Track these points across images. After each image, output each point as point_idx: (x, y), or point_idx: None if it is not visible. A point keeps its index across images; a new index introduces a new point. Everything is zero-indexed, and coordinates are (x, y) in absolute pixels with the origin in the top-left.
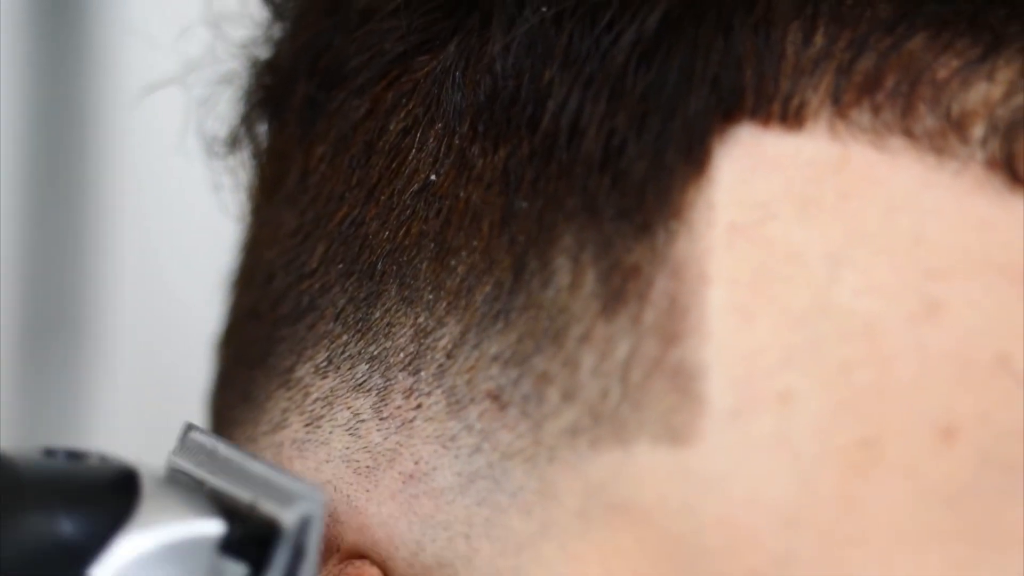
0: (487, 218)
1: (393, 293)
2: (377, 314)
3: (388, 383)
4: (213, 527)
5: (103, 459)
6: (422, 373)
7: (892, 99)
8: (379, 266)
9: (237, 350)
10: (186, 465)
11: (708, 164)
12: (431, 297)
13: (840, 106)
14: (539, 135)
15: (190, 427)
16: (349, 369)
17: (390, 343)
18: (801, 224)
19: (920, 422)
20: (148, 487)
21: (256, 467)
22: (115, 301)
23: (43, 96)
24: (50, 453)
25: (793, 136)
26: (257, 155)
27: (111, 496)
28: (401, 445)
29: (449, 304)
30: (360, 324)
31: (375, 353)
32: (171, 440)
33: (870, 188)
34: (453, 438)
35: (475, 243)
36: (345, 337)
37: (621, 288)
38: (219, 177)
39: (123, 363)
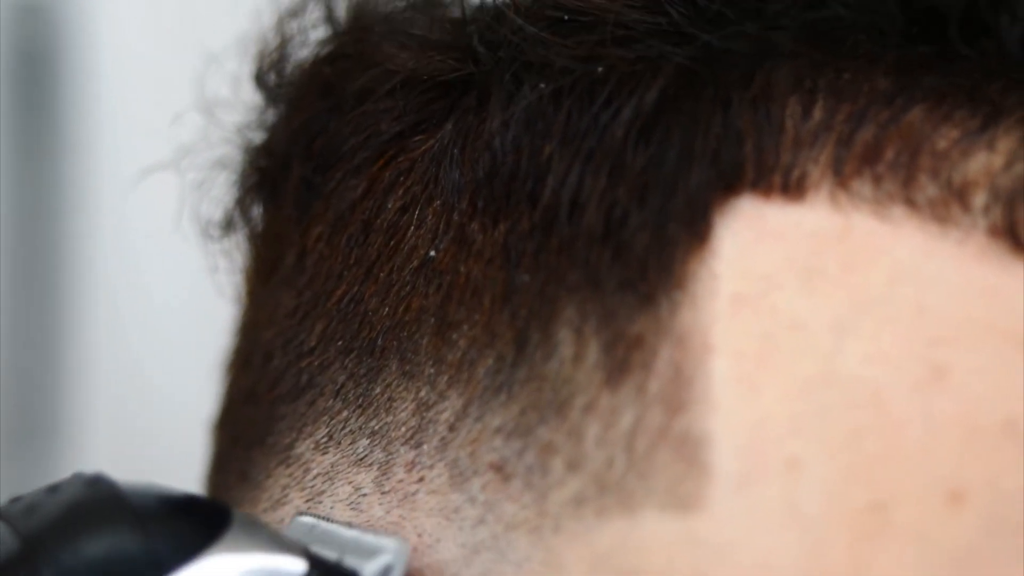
0: (488, 292)
1: (394, 368)
2: (378, 389)
3: (390, 457)
4: (294, 565)
5: (200, 498)
6: (424, 446)
7: (893, 169)
8: (379, 342)
9: (234, 431)
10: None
11: (710, 236)
12: (432, 371)
13: (841, 177)
14: (539, 210)
15: (299, 513)
16: (350, 444)
17: (391, 417)
18: (805, 294)
19: (928, 487)
20: (238, 519)
21: (349, 533)
22: (93, 396)
23: (33, 183)
24: (150, 484)
25: (795, 207)
26: (253, 238)
27: (203, 519)
28: (404, 519)
29: (451, 378)
30: (361, 399)
31: (376, 428)
32: None
33: (873, 257)
34: (456, 510)
35: (476, 317)
36: (345, 413)
37: (625, 358)
38: (214, 260)
39: (98, 450)
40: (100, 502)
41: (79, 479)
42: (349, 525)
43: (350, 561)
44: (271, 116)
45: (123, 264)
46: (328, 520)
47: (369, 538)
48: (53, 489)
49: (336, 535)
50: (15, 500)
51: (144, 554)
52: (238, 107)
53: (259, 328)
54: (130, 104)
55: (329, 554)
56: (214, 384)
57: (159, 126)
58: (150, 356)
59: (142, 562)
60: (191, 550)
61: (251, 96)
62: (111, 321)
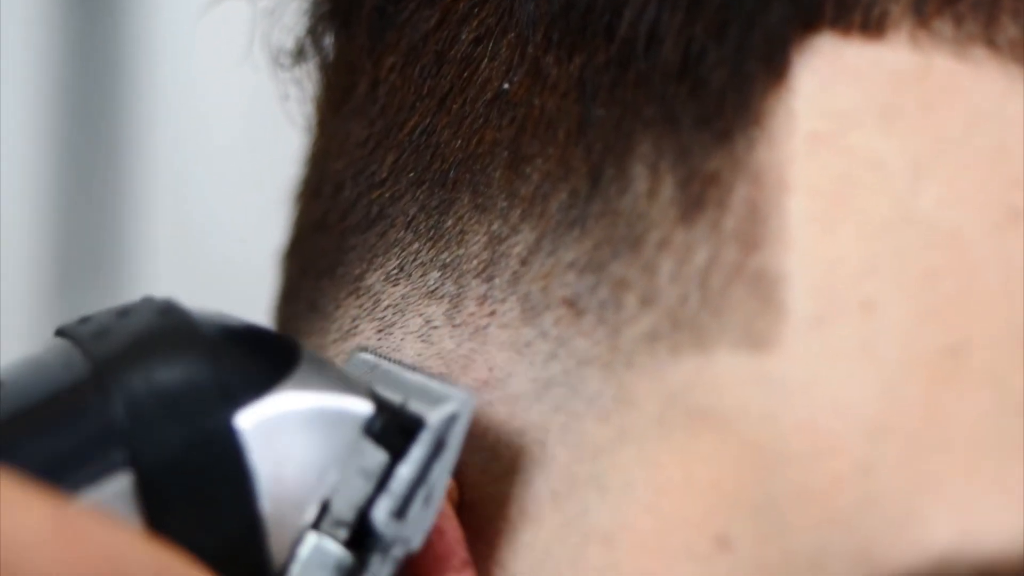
0: (562, 126)
1: (466, 201)
2: (449, 222)
3: (461, 290)
4: (361, 406)
5: (270, 330)
6: (496, 280)
7: (975, 9)
8: (451, 174)
9: (304, 261)
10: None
11: (788, 73)
12: (505, 204)
13: (922, 16)
14: (616, 43)
15: (359, 348)
16: (421, 276)
17: (463, 250)
18: (883, 133)
19: (1005, 330)
20: (307, 356)
21: (414, 376)
22: (154, 213)
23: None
24: (221, 314)
25: (874, 46)
26: (324, 67)
27: (272, 355)
28: (475, 352)
29: (523, 211)
30: (432, 232)
31: (447, 260)
32: None
33: (953, 98)
34: (528, 344)
35: (550, 151)
36: (416, 245)
37: (700, 195)
38: (284, 89)
39: (162, 270)
40: (172, 330)
41: (150, 304)
42: (412, 368)
43: (414, 406)
44: None
45: (190, 94)
46: (390, 360)
47: (434, 384)
48: (123, 313)
49: (399, 377)
50: (84, 320)
51: (215, 386)
52: None
53: (329, 158)
54: None
55: (393, 396)
56: (281, 215)
57: None
58: (215, 186)
59: (213, 394)
60: (261, 385)
61: None
62: (176, 151)
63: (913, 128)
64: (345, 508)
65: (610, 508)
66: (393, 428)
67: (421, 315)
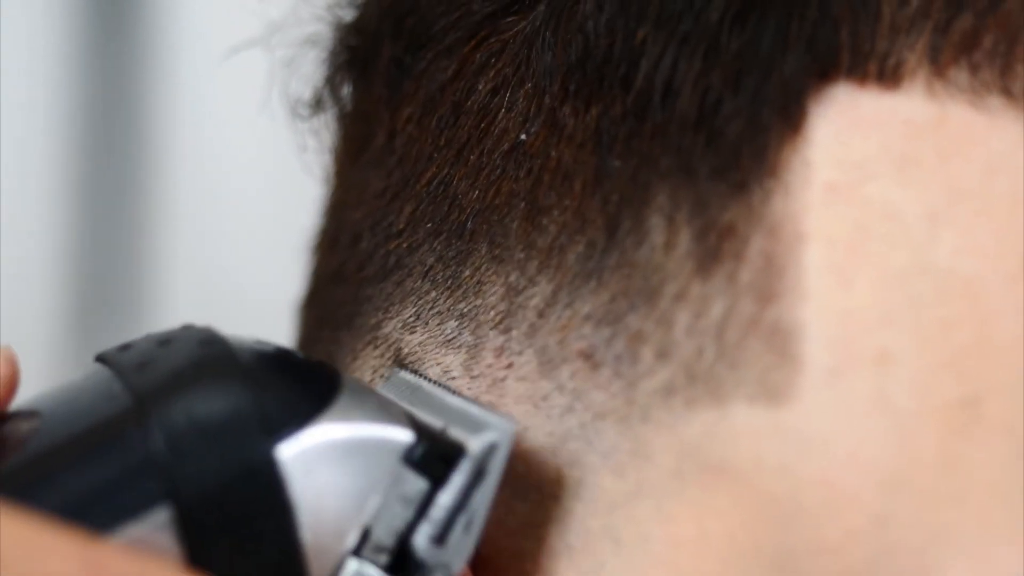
0: (579, 177)
1: (483, 251)
2: (467, 272)
3: (479, 340)
4: (401, 435)
5: (310, 358)
6: (513, 332)
7: (990, 58)
8: (468, 225)
9: (322, 312)
10: (392, 394)
11: (804, 123)
12: (522, 256)
13: (938, 65)
14: (632, 94)
15: (399, 366)
16: (438, 325)
17: (480, 301)
18: (899, 183)
19: (1020, 381)
20: (348, 384)
21: (454, 400)
22: (169, 265)
23: (119, 60)
24: (260, 343)
25: (890, 95)
26: (342, 117)
27: (314, 385)
28: (492, 404)
29: (541, 263)
30: (449, 282)
31: (465, 310)
32: None
33: (969, 148)
34: (545, 398)
35: (567, 202)
36: (434, 294)
37: (716, 247)
38: (302, 139)
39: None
40: (213, 362)
41: (191, 333)
42: (453, 391)
43: (454, 432)
44: None
45: (208, 142)
46: (430, 380)
47: (475, 410)
48: (164, 342)
49: (440, 400)
50: (124, 348)
51: (256, 419)
52: None
53: (347, 209)
54: None
55: (434, 421)
56: (299, 263)
57: (248, 2)
58: (233, 236)
59: (254, 426)
60: (302, 416)
61: None
62: (195, 199)
63: (929, 178)
64: (386, 534)
65: (625, 563)
66: (434, 455)
67: (439, 364)
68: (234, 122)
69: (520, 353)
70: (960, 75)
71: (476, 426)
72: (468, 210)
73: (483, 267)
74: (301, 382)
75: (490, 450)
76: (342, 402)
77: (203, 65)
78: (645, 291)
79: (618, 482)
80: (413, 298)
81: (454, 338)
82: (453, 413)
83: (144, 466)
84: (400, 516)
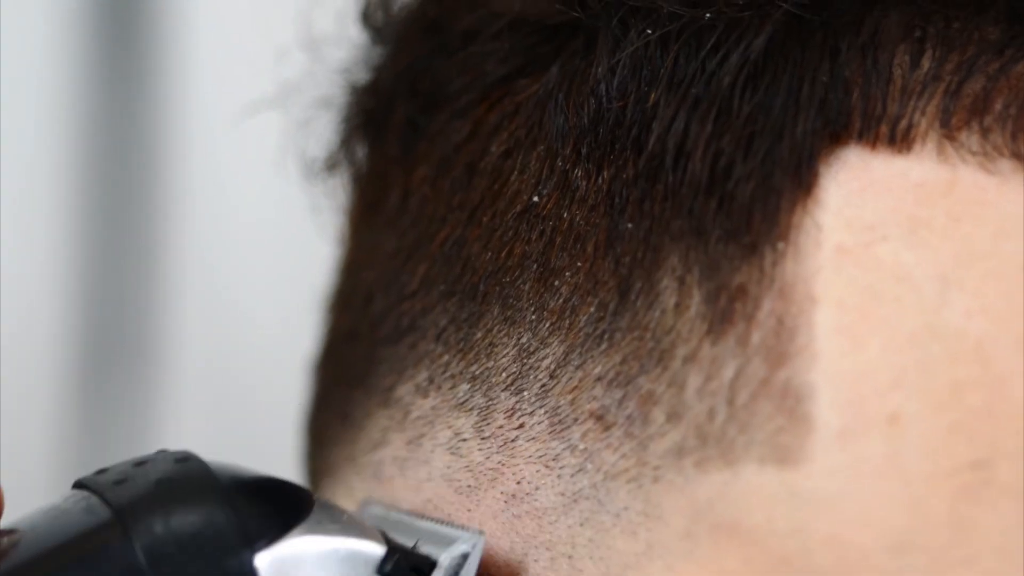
0: (591, 239)
1: (495, 313)
2: (479, 334)
3: (490, 402)
4: (374, 548)
5: (284, 481)
6: (525, 393)
7: (1001, 122)
8: (481, 287)
9: (335, 371)
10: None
11: (816, 185)
12: (534, 317)
13: (948, 128)
14: (645, 157)
15: (366, 502)
16: (451, 388)
17: (492, 363)
18: (911, 246)
19: None
20: (319, 503)
21: (423, 523)
22: (182, 322)
23: (131, 120)
24: (235, 465)
25: (901, 158)
26: (356, 178)
27: (286, 500)
28: (503, 464)
29: (552, 324)
30: (462, 344)
31: (477, 373)
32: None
33: (980, 211)
34: (556, 458)
35: (579, 264)
36: (446, 357)
37: (728, 309)
38: (316, 200)
39: (189, 385)
40: (190, 477)
41: (167, 455)
42: (421, 516)
43: (426, 548)
44: (376, 55)
45: (221, 203)
46: (399, 510)
47: (444, 529)
48: (140, 463)
49: (409, 524)
50: (101, 472)
51: (233, 530)
52: (343, 45)
53: (360, 268)
54: (233, 39)
55: (405, 540)
56: (310, 325)
57: (263, 63)
58: (245, 297)
59: (232, 537)
60: (277, 528)
61: (356, 34)
62: (207, 260)
63: (940, 241)
64: None
65: None
66: (406, 568)
67: (450, 427)
68: (247, 183)
69: (531, 414)
70: (971, 138)
71: (446, 541)
72: (480, 271)
73: (495, 329)
74: (275, 498)
75: (461, 559)
76: (315, 517)
77: (217, 126)
78: (656, 353)
79: (629, 542)
80: (427, 361)
81: (466, 400)
82: (423, 532)
83: (125, 574)
84: None
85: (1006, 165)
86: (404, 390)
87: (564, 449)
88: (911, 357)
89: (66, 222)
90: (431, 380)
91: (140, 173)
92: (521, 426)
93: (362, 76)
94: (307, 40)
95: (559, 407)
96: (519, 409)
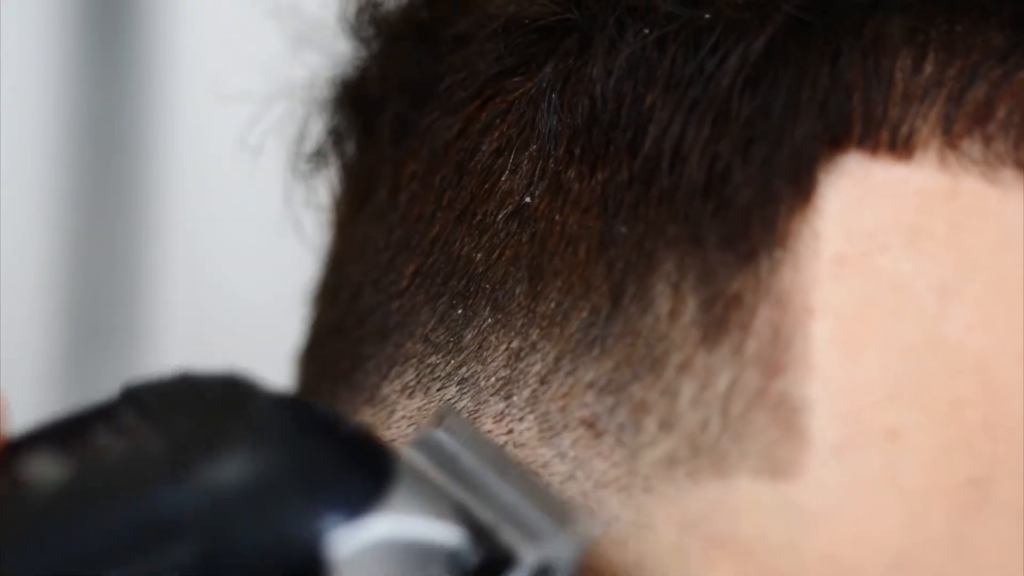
0: (584, 243)
1: (485, 315)
2: (468, 336)
3: (479, 407)
4: (451, 537)
5: (368, 435)
6: (514, 398)
7: (1004, 130)
8: (471, 288)
9: (322, 365)
10: (426, 465)
11: (814, 192)
12: (524, 321)
13: (950, 136)
14: (640, 160)
15: (437, 421)
16: (438, 391)
17: (481, 367)
18: (910, 256)
19: None
20: (406, 473)
21: (504, 489)
22: (168, 312)
23: (116, 111)
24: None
25: (902, 165)
26: (345, 171)
27: (368, 477)
28: None
29: (543, 329)
30: (450, 346)
31: (465, 376)
32: None
33: (981, 220)
34: (545, 465)
35: (571, 268)
36: (434, 358)
37: (723, 317)
38: (304, 192)
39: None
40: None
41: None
42: (498, 461)
43: (505, 535)
44: (367, 51)
45: (207, 193)
46: (473, 453)
47: (529, 509)
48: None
49: (486, 485)
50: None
51: (306, 514)
52: (334, 38)
53: (348, 262)
54: (222, 33)
55: (483, 514)
56: (297, 316)
57: (253, 56)
58: (232, 286)
59: (303, 508)
60: (352, 512)
61: (347, 28)
62: (193, 252)
63: (940, 251)
64: None
65: None
66: (483, 567)
67: None
68: (235, 172)
69: (521, 419)
70: (973, 147)
71: (530, 533)
72: (471, 272)
73: (485, 332)
74: (354, 476)
75: (546, 570)
76: (398, 496)
77: (206, 117)
78: (649, 360)
79: (620, 554)
80: (414, 361)
81: (453, 404)
82: (505, 506)
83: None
84: None
85: (1008, 174)
86: (390, 389)
87: (554, 456)
88: (909, 370)
89: (52, 212)
90: (418, 381)
91: (127, 163)
92: (510, 431)
93: (353, 70)
94: (296, 34)
95: (549, 413)
96: (508, 414)
